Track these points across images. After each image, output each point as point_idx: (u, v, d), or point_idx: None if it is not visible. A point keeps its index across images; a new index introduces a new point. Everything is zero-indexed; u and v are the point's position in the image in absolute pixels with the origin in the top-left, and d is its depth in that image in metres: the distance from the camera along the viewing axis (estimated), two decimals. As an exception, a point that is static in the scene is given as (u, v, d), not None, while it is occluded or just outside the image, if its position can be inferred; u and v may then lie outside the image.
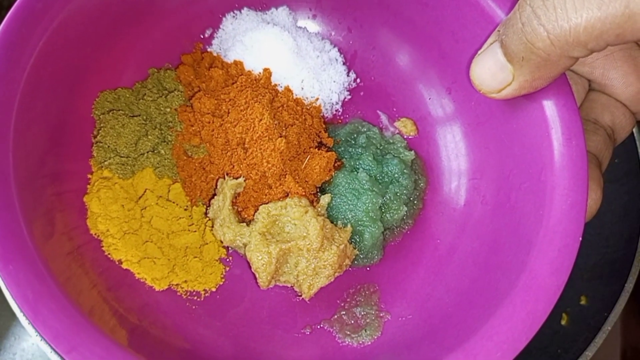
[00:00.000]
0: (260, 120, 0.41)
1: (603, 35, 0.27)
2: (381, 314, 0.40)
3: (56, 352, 0.30)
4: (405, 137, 0.48)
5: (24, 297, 0.29)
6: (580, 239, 0.33)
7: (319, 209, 0.42)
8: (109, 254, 0.38)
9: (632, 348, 0.66)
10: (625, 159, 0.61)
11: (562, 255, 0.32)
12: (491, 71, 0.32)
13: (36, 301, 0.29)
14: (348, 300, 0.41)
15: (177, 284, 0.40)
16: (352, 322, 0.39)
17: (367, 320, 0.39)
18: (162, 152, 0.43)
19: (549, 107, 0.35)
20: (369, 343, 0.38)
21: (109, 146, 0.42)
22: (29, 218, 0.33)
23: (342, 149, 0.46)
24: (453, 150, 0.46)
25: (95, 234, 0.39)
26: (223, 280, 0.41)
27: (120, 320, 0.35)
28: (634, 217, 0.57)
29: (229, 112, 0.43)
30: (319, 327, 0.40)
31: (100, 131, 0.42)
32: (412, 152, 0.46)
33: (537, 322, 0.30)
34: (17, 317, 0.44)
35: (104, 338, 0.29)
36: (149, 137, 0.42)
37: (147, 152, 0.42)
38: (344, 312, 0.40)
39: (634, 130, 0.59)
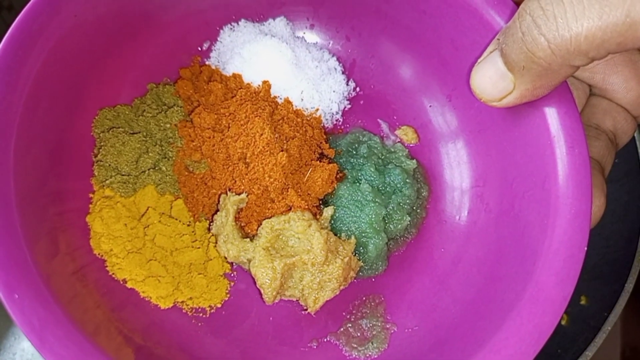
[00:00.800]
0: (261, 135, 0.41)
1: (604, 44, 0.27)
2: (387, 326, 0.40)
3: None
4: (406, 145, 0.48)
5: (30, 325, 0.29)
6: (586, 248, 0.33)
7: (322, 222, 0.42)
8: (113, 273, 0.38)
9: (632, 348, 0.66)
10: (625, 159, 0.61)
11: (567, 266, 0.32)
12: (492, 80, 0.32)
13: (42, 328, 0.29)
14: (354, 312, 0.41)
15: (182, 302, 0.39)
16: (359, 334, 0.39)
17: (374, 333, 0.39)
18: (164, 168, 0.43)
19: (551, 115, 0.35)
20: (376, 356, 0.38)
21: (109, 165, 0.42)
22: (32, 240, 0.33)
23: (344, 159, 0.46)
24: (455, 158, 0.46)
25: (98, 254, 0.39)
26: (228, 295, 0.41)
27: (125, 341, 0.35)
28: (634, 217, 0.57)
29: (229, 127, 0.43)
30: (325, 340, 0.40)
31: (100, 150, 0.41)
32: (414, 160, 0.46)
33: (544, 335, 0.30)
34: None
35: None
36: (150, 154, 0.42)
37: (148, 170, 0.42)
38: (350, 325, 0.40)
39: None
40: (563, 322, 0.59)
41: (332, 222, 0.43)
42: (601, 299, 0.56)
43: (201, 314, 0.40)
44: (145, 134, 0.43)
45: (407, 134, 0.48)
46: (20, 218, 0.33)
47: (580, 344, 0.52)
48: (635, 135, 0.59)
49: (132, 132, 0.43)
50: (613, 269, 0.57)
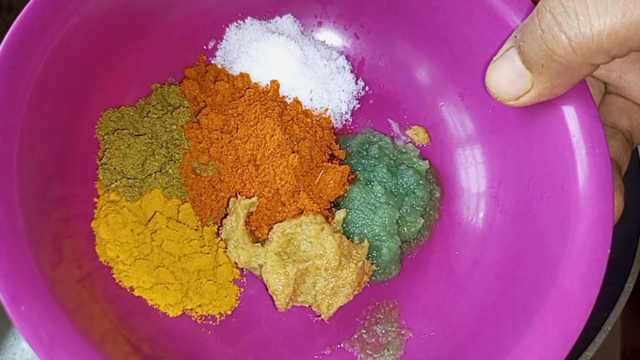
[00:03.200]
0: (272, 136, 0.40)
1: (627, 41, 0.26)
2: (402, 331, 0.39)
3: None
4: (417, 145, 0.47)
5: (38, 340, 0.27)
6: (609, 251, 0.32)
7: (335, 225, 0.41)
8: (119, 281, 0.37)
9: (632, 348, 0.65)
10: None
11: (592, 270, 0.31)
12: (509, 78, 0.31)
13: (51, 342, 0.28)
14: (368, 317, 0.40)
15: (191, 309, 0.38)
16: (373, 340, 0.38)
17: (389, 339, 0.38)
18: (170, 171, 0.41)
19: (570, 113, 0.34)
20: (393, 363, 0.37)
21: (115, 168, 0.40)
22: (36, 247, 0.32)
23: (355, 160, 0.44)
24: (468, 159, 0.45)
25: (104, 261, 0.37)
26: (238, 302, 0.40)
27: (132, 350, 0.34)
28: (634, 217, 0.56)
29: (237, 128, 0.41)
30: (339, 347, 0.39)
31: (105, 152, 0.40)
32: (427, 161, 0.45)
33: (569, 341, 0.29)
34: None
35: None
36: (156, 156, 0.41)
37: (155, 173, 0.41)
38: (364, 331, 0.39)
39: None
40: (563, 322, 0.58)
41: (345, 225, 0.42)
42: (601, 299, 0.54)
43: (211, 322, 0.39)
44: (150, 135, 0.42)
45: (418, 134, 0.47)
46: (24, 225, 0.32)
47: (580, 344, 0.50)
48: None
49: (137, 134, 0.42)
50: (613, 269, 0.55)
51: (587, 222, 0.32)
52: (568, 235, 0.32)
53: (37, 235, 0.33)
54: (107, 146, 0.41)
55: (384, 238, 0.40)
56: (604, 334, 0.49)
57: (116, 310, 0.35)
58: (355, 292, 0.38)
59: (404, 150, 0.46)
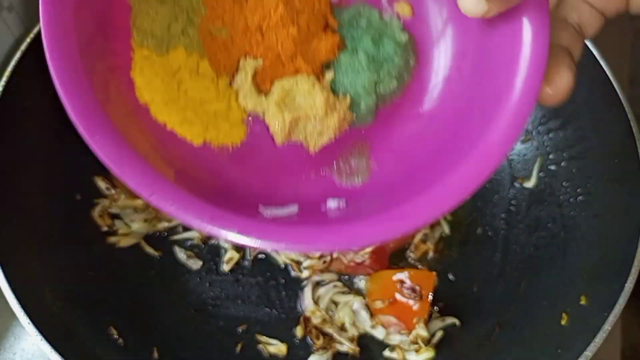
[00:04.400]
0: (276, 10, 0.48)
1: None
2: (371, 163, 0.51)
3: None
4: (401, 19, 0.54)
5: (109, 158, 0.38)
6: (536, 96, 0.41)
7: (324, 84, 0.51)
8: (156, 117, 0.48)
9: (632, 348, 0.67)
10: (625, 159, 0.62)
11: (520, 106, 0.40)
12: None
13: (121, 161, 0.38)
14: (344, 153, 0.51)
15: (210, 140, 0.49)
16: (348, 169, 0.51)
17: (360, 168, 0.51)
18: (191, 33, 0.50)
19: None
20: (360, 185, 0.50)
21: (145, 29, 0.49)
22: (95, 90, 0.42)
23: (345, 30, 0.53)
24: (442, 33, 0.53)
25: (143, 103, 0.48)
26: (246, 137, 0.51)
27: (167, 165, 0.45)
28: (634, 217, 0.58)
29: (247, 1, 0.50)
30: (322, 173, 0.51)
31: (137, 17, 0.49)
32: (407, 34, 0.53)
33: (493, 163, 0.40)
34: (17, 317, 0.48)
35: (171, 185, 0.40)
36: (179, 20, 0.50)
37: (178, 34, 0.50)
38: (341, 162, 0.51)
39: (634, 129, 0.61)
40: (563, 322, 0.59)
41: (332, 84, 0.51)
42: (601, 299, 0.56)
43: (225, 151, 0.50)
44: (173, 3, 0.50)
45: (403, 9, 0.54)
46: (84, 72, 0.41)
47: (580, 344, 0.52)
48: (635, 135, 0.62)
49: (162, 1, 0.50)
50: (613, 269, 0.57)
51: (519, 87, 0.41)
52: (502, 97, 0.42)
53: (93, 81, 0.43)
54: (137, 12, 0.49)
55: (363, 95, 0.51)
56: (604, 334, 0.51)
57: (154, 137, 0.47)
58: (337, 134, 0.50)
59: (389, 24, 0.54)
